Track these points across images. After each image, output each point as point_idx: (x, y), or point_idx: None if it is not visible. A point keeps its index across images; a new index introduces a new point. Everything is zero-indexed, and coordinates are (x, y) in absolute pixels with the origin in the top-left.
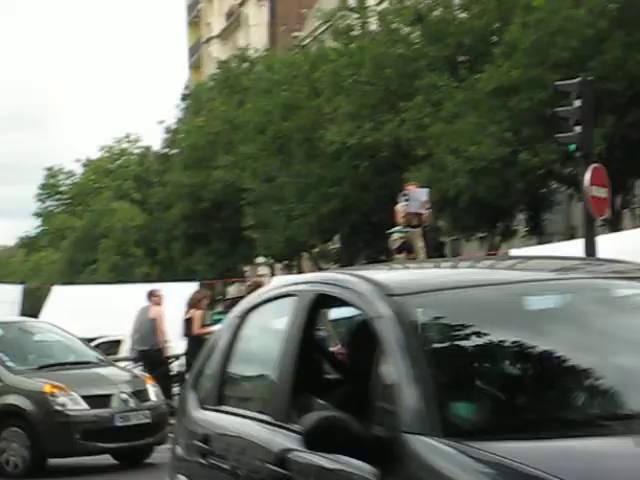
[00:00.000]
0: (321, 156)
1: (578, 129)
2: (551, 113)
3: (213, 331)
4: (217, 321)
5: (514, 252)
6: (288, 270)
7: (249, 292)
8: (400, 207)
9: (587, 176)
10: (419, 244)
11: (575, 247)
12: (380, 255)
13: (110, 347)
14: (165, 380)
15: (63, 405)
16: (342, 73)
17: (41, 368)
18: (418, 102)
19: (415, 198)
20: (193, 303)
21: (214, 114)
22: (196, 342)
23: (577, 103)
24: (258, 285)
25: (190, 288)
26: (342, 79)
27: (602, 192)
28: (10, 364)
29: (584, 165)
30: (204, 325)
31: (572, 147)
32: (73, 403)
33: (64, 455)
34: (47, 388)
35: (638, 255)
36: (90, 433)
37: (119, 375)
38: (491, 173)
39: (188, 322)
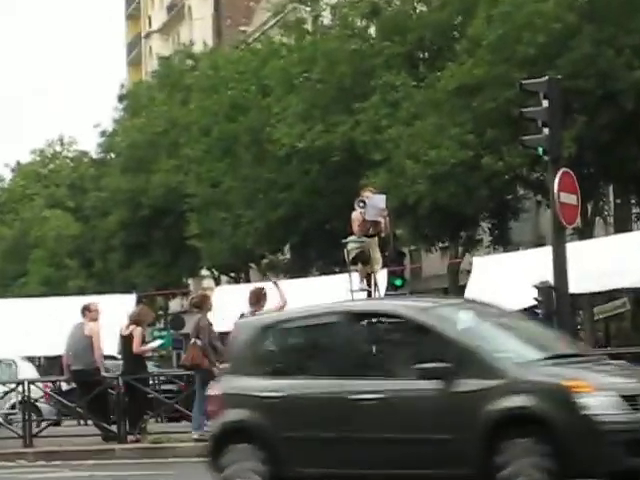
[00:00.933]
0: (270, 159)
1: (546, 131)
2: (517, 114)
3: (152, 350)
4: (157, 339)
5: (477, 261)
6: (235, 282)
7: (193, 307)
8: (356, 215)
9: (556, 181)
10: (376, 255)
11: (544, 255)
12: (334, 267)
13: (50, 365)
14: (102, 403)
15: (593, 408)
16: (293, 70)
17: (548, 359)
18: (374, 102)
19: (372, 205)
20: (135, 319)
21: (155, 114)
22: (135, 361)
23: (545, 103)
24: (203, 299)
25: (128, 302)
26: (293, 77)
27: (572, 199)
28: (511, 355)
29: (552, 170)
30: (144, 343)
31: (540, 150)
32: (606, 405)
33: (599, 474)
34: (570, 384)
35: (608, 263)
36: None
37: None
38: (453, 178)
39: (126, 339)
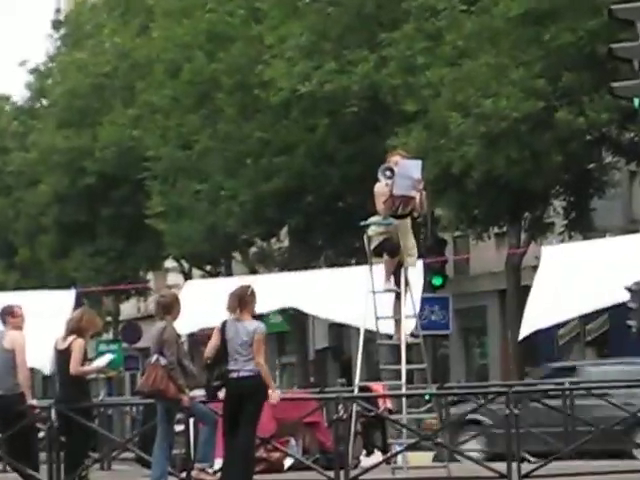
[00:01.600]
0: (262, 110)
1: None
2: (605, 51)
3: (98, 370)
4: (105, 354)
5: (547, 252)
6: (211, 278)
7: (161, 310)
8: (380, 188)
9: None
10: (408, 242)
11: (637, 245)
12: (348, 258)
13: None
14: (27, 442)
15: None
16: None
17: None
18: (407, 32)
19: (403, 174)
20: (75, 328)
21: (103, 47)
22: (74, 385)
23: None
24: (174, 301)
25: (66, 302)
26: None
27: None
28: None
29: None
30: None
31: (636, 102)
32: None
33: None
34: None
35: None
36: None
37: None
38: (515, 139)
39: (63, 355)
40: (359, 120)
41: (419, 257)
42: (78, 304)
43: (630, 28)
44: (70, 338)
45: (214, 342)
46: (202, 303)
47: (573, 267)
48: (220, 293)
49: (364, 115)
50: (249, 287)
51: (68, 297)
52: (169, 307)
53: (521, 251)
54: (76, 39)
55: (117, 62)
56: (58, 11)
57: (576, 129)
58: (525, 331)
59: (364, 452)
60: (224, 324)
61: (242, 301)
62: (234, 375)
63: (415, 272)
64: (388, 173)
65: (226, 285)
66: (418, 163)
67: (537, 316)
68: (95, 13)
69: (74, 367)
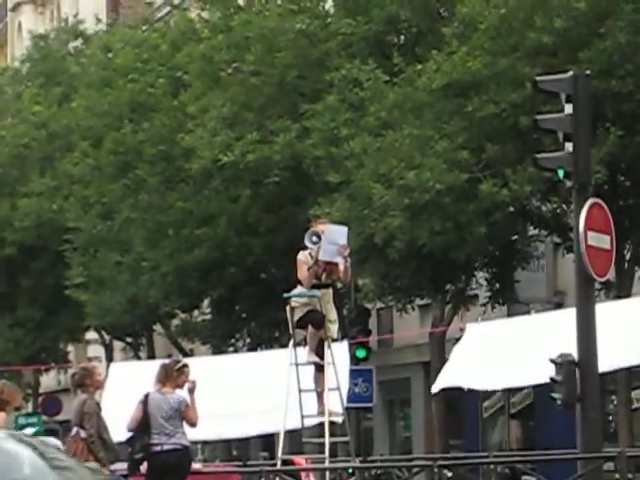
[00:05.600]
0: (185, 181)
1: (569, 147)
2: (528, 123)
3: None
4: (23, 427)
5: (472, 329)
6: (133, 351)
7: (75, 386)
8: (303, 257)
9: (582, 217)
10: (331, 314)
11: (564, 319)
12: (273, 330)
13: None
14: None
15: None
16: (217, 58)
17: None
18: (330, 103)
19: (329, 239)
20: None
21: (23, 116)
22: None
23: (568, 109)
24: (87, 373)
25: None
26: (217, 66)
27: (604, 241)
28: None
29: (578, 200)
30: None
31: (560, 174)
32: None
33: None
34: None
35: None
36: None
37: None
38: (438, 211)
39: None
40: (282, 190)
41: (343, 332)
42: None
43: (553, 100)
44: None
45: (136, 414)
46: (126, 385)
47: (497, 343)
48: (144, 375)
49: (287, 185)
50: (179, 362)
51: None
52: (82, 381)
53: (443, 329)
54: None
55: (36, 132)
56: None
57: (500, 201)
58: (440, 384)
59: None
60: (146, 396)
61: (168, 374)
62: (157, 449)
63: (340, 346)
64: (314, 238)
65: (150, 367)
66: (344, 230)
67: (456, 374)
68: (16, 80)
69: None
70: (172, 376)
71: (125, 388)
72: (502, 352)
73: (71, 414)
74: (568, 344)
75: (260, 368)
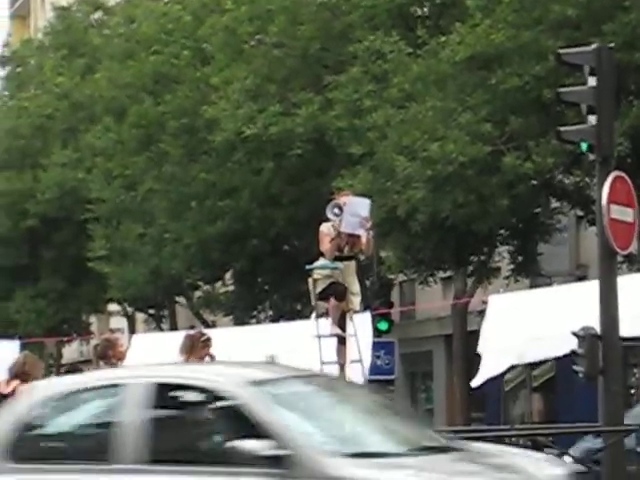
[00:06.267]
0: (207, 153)
1: (592, 119)
2: (552, 95)
3: None
4: None
5: (493, 301)
6: (155, 322)
7: (98, 355)
8: (326, 229)
9: (605, 190)
10: (354, 286)
11: (586, 291)
12: (295, 302)
13: None
14: None
15: None
16: (240, 30)
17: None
18: (353, 75)
19: (351, 212)
20: (20, 372)
21: (44, 87)
22: None
23: (592, 81)
24: (110, 344)
25: (10, 349)
26: (240, 39)
27: (627, 213)
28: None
29: (601, 173)
30: None
31: (583, 146)
32: None
33: None
34: None
35: None
36: None
37: None
38: (461, 183)
39: (6, 398)
40: (304, 162)
41: (366, 304)
42: (21, 349)
43: (576, 73)
44: (14, 383)
45: None
46: (149, 356)
47: (521, 316)
48: (167, 347)
49: (309, 157)
50: (204, 334)
51: (13, 345)
52: (103, 355)
53: (466, 301)
54: (22, 78)
55: (58, 103)
56: (6, 45)
57: (522, 174)
58: (479, 380)
59: None
60: None
61: (195, 345)
62: None
63: (362, 318)
64: (336, 210)
65: (172, 339)
66: (367, 202)
67: (491, 364)
68: (41, 52)
69: None
70: (197, 347)
71: (147, 359)
72: (524, 326)
73: None
74: (590, 317)
75: (282, 340)
